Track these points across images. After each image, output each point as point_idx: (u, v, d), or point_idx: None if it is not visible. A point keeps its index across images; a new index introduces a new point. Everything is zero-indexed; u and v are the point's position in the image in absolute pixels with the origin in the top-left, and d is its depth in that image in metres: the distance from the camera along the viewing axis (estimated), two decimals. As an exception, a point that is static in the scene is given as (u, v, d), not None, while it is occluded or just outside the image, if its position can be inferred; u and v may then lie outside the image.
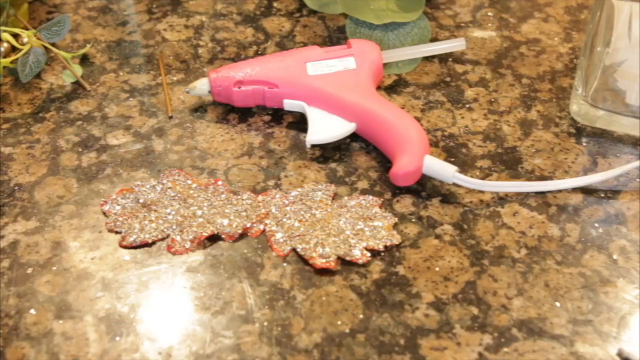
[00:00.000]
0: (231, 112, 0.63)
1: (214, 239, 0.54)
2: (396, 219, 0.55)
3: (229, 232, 0.54)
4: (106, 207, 0.55)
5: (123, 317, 0.49)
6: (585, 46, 0.59)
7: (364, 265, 0.52)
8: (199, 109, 0.63)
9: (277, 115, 0.63)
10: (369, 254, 0.52)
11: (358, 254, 0.52)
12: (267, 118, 0.63)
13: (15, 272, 0.52)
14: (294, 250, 0.53)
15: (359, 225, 0.54)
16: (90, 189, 0.57)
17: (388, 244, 0.53)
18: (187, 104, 0.64)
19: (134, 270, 0.52)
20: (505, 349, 0.48)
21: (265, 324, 0.49)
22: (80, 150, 0.60)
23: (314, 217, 0.55)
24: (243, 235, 0.54)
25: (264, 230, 0.54)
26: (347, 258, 0.52)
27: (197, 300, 0.50)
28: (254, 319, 0.49)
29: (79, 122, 0.62)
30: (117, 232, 0.54)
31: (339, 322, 0.49)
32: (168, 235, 0.54)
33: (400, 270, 0.52)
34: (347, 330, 0.49)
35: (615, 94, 0.60)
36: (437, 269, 0.52)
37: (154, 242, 0.53)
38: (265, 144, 0.61)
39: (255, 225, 0.54)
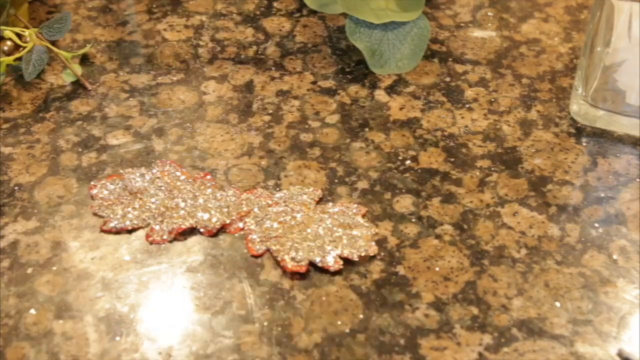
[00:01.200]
0: (231, 112, 0.63)
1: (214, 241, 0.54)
2: (376, 230, 0.54)
3: (208, 227, 0.54)
4: (94, 191, 0.56)
5: (123, 317, 0.49)
6: (585, 46, 0.59)
7: (364, 264, 0.52)
8: (199, 109, 0.63)
9: (277, 115, 0.63)
10: (341, 262, 0.52)
11: (331, 262, 0.52)
12: (267, 118, 0.63)
13: (15, 272, 0.52)
14: (268, 250, 0.53)
15: (337, 233, 0.53)
16: (90, 189, 0.57)
17: (363, 254, 0.52)
18: (187, 104, 0.64)
19: (134, 270, 0.52)
20: (505, 349, 0.48)
21: (265, 324, 0.49)
22: (80, 150, 0.60)
23: (294, 219, 0.54)
24: (221, 231, 0.54)
25: (242, 229, 0.54)
26: (320, 265, 0.52)
27: (197, 300, 0.50)
28: (254, 319, 0.49)
29: (79, 122, 0.62)
30: (100, 216, 0.55)
31: (339, 322, 0.49)
32: (148, 224, 0.54)
33: (400, 270, 0.52)
34: (347, 330, 0.49)
35: (615, 94, 0.60)
36: (437, 269, 0.52)
37: (133, 230, 0.54)
38: (265, 144, 0.61)
39: (234, 222, 0.54)
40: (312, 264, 0.52)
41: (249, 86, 0.66)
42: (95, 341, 0.48)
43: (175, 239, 0.54)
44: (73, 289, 0.51)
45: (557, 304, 0.50)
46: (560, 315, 0.50)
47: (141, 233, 0.54)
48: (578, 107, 0.61)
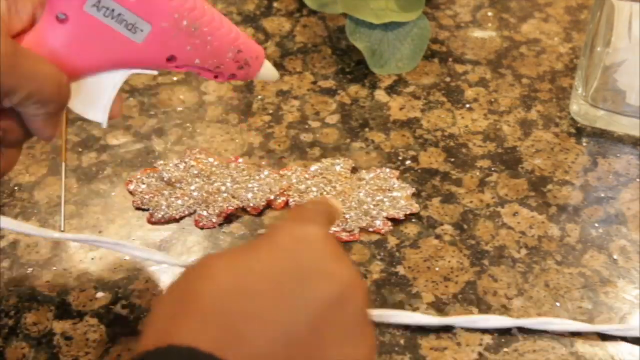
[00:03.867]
0: (231, 112, 0.63)
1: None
2: (414, 189, 0.56)
3: (254, 205, 0.55)
4: (131, 187, 0.57)
5: (123, 317, 0.49)
6: (585, 46, 0.59)
7: (364, 264, 0.52)
8: (199, 109, 0.63)
9: (277, 115, 0.63)
10: (390, 223, 0.54)
11: (380, 224, 0.54)
12: (267, 118, 0.63)
13: (15, 272, 0.52)
14: None
15: (378, 197, 0.56)
16: (90, 188, 0.57)
17: (408, 212, 0.55)
18: (187, 104, 0.64)
19: (134, 271, 0.52)
20: (505, 349, 0.48)
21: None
22: (80, 150, 0.60)
23: (334, 190, 0.56)
24: (267, 208, 0.56)
25: (287, 202, 0.56)
26: (370, 229, 0.54)
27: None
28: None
29: (79, 122, 0.62)
30: (144, 210, 0.55)
31: (339, 322, 0.49)
32: (195, 211, 0.55)
33: (400, 270, 0.52)
34: (347, 330, 0.49)
35: (615, 94, 0.60)
36: (437, 269, 0.52)
37: (181, 218, 0.55)
38: (265, 144, 0.61)
39: (278, 197, 0.56)
40: (362, 230, 0.54)
41: (249, 86, 0.66)
42: (95, 341, 0.48)
43: (224, 222, 0.55)
44: (73, 289, 0.51)
45: (557, 304, 0.50)
46: (560, 315, 0.50)
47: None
48: (578, 107, 0.61)
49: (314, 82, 0.66)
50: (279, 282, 0.35)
